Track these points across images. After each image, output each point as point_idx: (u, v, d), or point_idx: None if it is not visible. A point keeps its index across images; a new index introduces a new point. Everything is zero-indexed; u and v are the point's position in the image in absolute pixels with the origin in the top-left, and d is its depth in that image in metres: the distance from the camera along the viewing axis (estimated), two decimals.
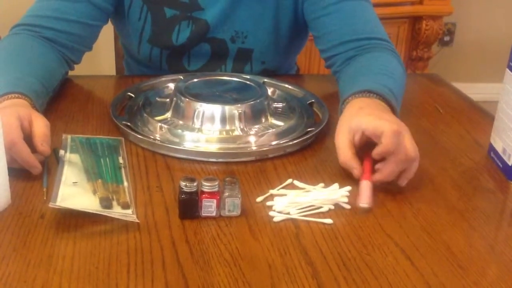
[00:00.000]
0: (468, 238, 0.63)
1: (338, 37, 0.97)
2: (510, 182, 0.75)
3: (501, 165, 0.77)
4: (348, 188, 0.70)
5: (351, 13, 0.97)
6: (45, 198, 0.66)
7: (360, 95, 0.79)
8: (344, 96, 0.82)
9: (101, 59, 1.46)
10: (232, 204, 0.65)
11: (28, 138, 0.71)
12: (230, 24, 1.02)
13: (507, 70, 0.77)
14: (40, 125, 0.72)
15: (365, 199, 0.67)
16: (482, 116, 0.95)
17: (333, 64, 0.99)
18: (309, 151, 0.81)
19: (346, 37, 0.96)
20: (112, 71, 1.36)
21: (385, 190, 0.70)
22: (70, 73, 1.02)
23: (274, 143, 0.81)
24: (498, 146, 0.78)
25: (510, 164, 0.75)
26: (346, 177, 0.74)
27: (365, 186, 0.69)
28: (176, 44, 1.03)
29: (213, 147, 0.80)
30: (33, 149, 0.70)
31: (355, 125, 0.72)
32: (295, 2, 1.02)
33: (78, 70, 1.04)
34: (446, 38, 2.66)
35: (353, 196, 0.69)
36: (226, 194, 0.65)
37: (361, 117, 0.73)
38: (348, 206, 0.68)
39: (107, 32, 1.12)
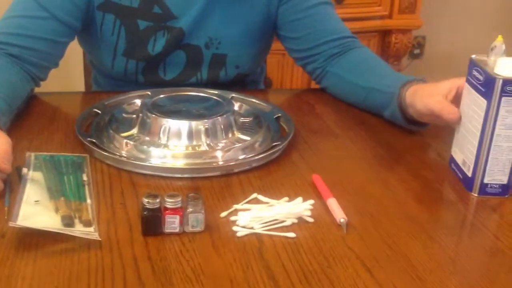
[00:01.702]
0: (428, 250, 0.65)
1: (321, 37, 1.06)
2: (470, 193, 0.76)
3: (461, 177, 0.79)
4: (311, 201, 0.70)
5: (327, 15, 1.08)
6: (6, 217, 0.66)
7: (416, 82, 0.91)
8: (398, 85, 0.92)
9: (70, 75, 1.45)
10: (196, 220, 0.65)
11: None
12: (204, 31, 1.04)
13: (466, 83, 0.79)
14: (1, 143, 0.71)
15: (341, 214, 0.68)
16: (445, 128, 0.97)
17: (314, 61, 1.08)
18: (274, 165, 0.82)
19: (329, 36, 1.06)
20: (82, 88, 1.35)
21: (348, 203, 0.71)
22: (38, 89, 1.01)
23: (240, 157, 0.82)
24: (458, 158, 0.80)
25: (469, 176, 0.76)
26: (309, 190, 0.74)
27: (334, 203, 0.70)
28: (152, 53, 1.03)
29: (180, 163, 0.80)
30: None
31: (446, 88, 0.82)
32: (268, 6, 1.06)
33: (48, 86, 1.03)
34: (416, 51, 2.71)
35: (316, 210, 0.70)
36: (190, 209, 0.65)
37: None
38: (311, 220, 0.69)
39: (76, 48, 1.12)
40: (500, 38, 0.75)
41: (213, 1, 1.03)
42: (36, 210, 0.66)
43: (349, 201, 0.72)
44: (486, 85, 0.72)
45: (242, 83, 1.15)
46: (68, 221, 0.64)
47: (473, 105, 0.76)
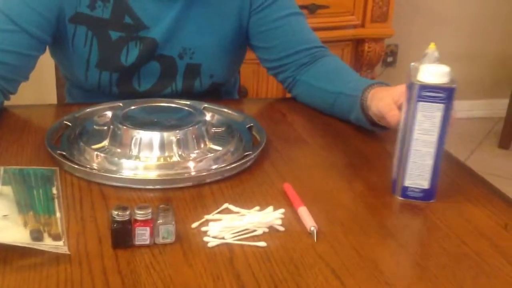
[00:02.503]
0: (396, 256, 0.66)
1: (291, 47, 1.08)
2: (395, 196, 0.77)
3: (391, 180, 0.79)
4: (282, 210, 0.71)
5: (298, 25, 1.10)
6: None
7: (378, 85, 0.94)
8: (362, 88, 0.94)
9: (42, 87, 1.44)
10: (166, 231, 0.65)
11: None
12: (177, 41, 1.04)
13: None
14: None
15: (312, 222, 0.69)
16: None
17: (285, 70, 1.10)
18: (246, 175, 0.82)
19: (300, 46, 1.08)
20: (54, 100, 1.34)
21: (318, 211, 0.72)
22: (9, 102, 1.00)
23: (212, 168, 0.82)
24: (394, 162, 0.81)
25: (393, 178, 0.77)
26: (281, 199, 0.75)
27: (305, 212, 0.71)
28: (126, 64, 1.03)
29: (151, 174, 0.80)
30: None
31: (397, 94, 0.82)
32: (240, 16, 1.07)
33: (20, 99, 1.02)
34: (390, 59, 2.75)
35: (287, 218, 0.70)
36: (160, 221, 0.65)
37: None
38: (282, 228, 0.69)
39: (48, 60, 1.11)
40: (432, 46, 0.78)
41: (185, 12, 1.03)
42: (4, 225, 0.65)
43: (320, 209, 0.73)
44: (409, 91, 0.74)
45: (217, 93, 1.15)
46: (37, 235, 0.63)
47: (404, 110, 0.78)
